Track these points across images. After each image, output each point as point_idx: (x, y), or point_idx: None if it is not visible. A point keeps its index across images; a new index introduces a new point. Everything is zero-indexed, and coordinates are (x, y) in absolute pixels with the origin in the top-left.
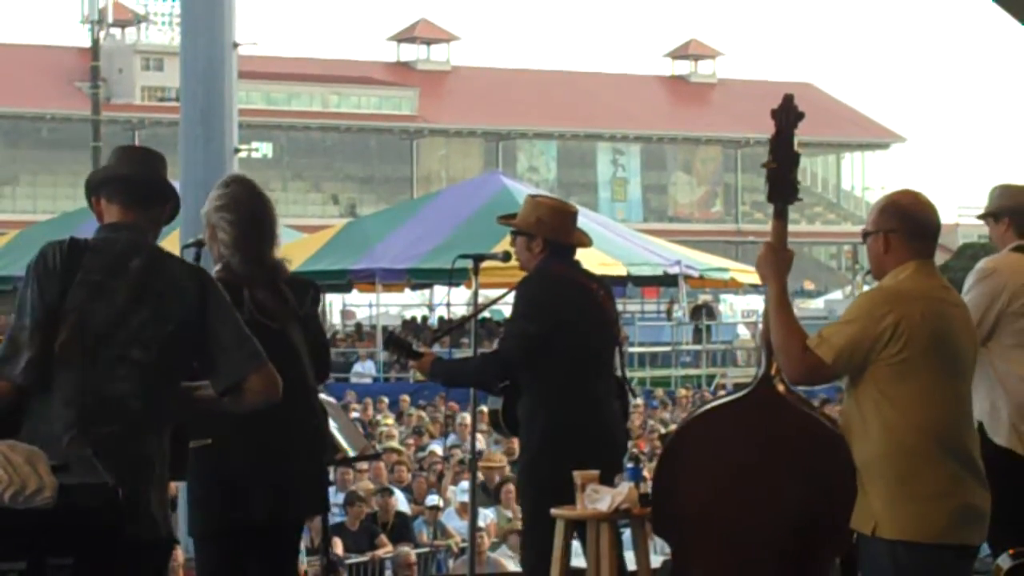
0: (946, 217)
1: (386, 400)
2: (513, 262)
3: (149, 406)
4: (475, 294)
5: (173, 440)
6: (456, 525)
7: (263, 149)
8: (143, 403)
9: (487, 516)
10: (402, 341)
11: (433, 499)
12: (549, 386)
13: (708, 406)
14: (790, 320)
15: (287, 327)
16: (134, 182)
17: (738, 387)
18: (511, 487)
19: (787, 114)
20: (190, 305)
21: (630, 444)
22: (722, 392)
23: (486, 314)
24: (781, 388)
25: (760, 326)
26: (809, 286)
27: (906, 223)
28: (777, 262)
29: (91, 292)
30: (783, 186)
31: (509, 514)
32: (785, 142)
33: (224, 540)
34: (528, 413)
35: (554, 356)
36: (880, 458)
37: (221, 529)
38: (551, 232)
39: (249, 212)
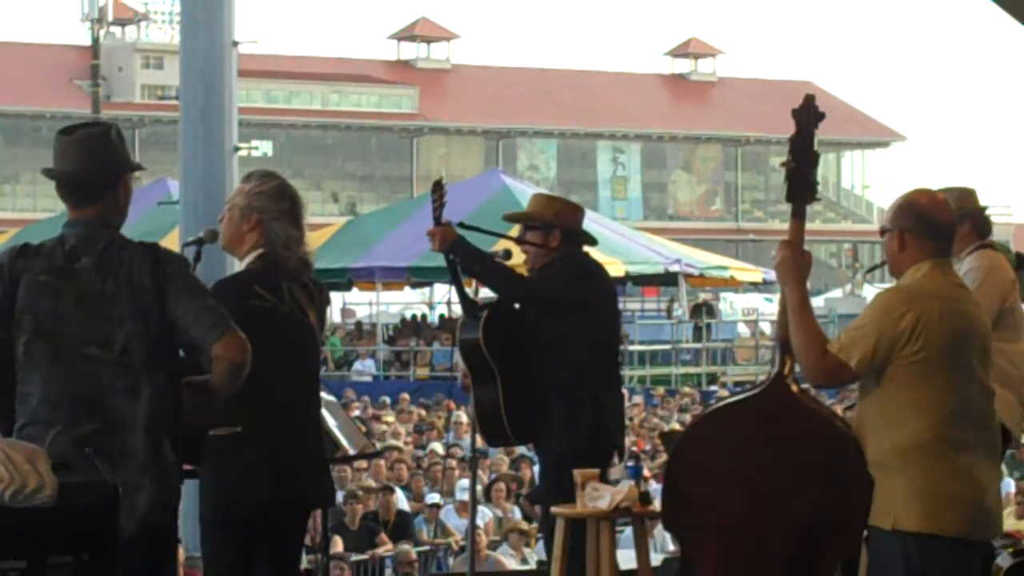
0: None
1: (387, 399)
2: (513, 260)
3: (125, 402)
4: (475, 292)
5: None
6: (455, 523)
7: (263, 147)
8: (117, 400)
9: (486, 514)
10: (443, 194)
11: (433, 497)
12: (584, 371)
13: (720, 404)
14: (811, 324)
15: (312, 323)
16: (75, 181)
17: (739, 385)
18: (502, 486)
19: (808, 114)
20: (144, 298)
21: (629, 442)
22: (723, 391)
23: None
24: (795, 388)
25: (760, 325)
26: (808, 285)
27: (920, 223)
28: (799, 265)
29: (40, 293)
30: (802, 186)
31: (499, 513)
32: (805, 142)
33: (237, 526)
34: (559, 406)
35: (584, 340)
36: (897, 455)
37: (245, 516)
38: (568, 223)
39: (298, 207)
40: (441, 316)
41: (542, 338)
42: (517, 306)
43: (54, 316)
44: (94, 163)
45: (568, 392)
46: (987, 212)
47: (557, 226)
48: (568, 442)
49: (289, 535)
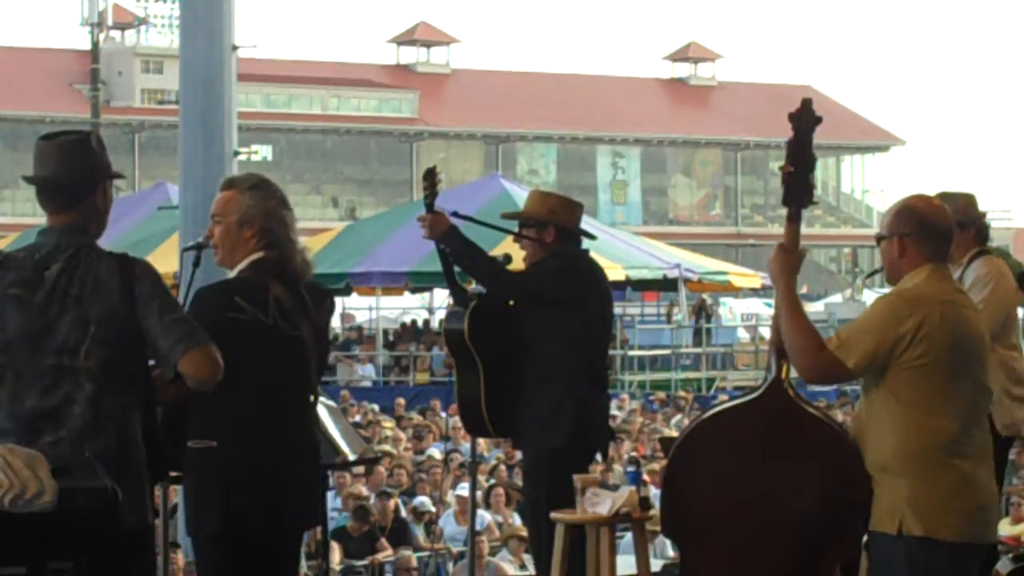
0: None
1: (386, 404)
2: (512, 266)
3: (92, 408)
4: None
5: (170, 437)
6: (451, 530)
7: (263, 152)
8: (84, 407)
9: (485, 520)
10: (435, 181)
11: (426, 503)
12: (569, 369)
13: (718, 408)
14: (802, 319)
15: (303, 333)
16: (53, 186)
17: (739, 390)
18: (500, 491)
19: (805, 118)
20: (113, 302)
21: (629, 447)
22: (723, 396)
23: None
24: (791, 392)
25: (760, 330)
26: (807, 289)
27: (920, 227)
28: (786, 263)
29: (7, 307)
30: (799, 190)
31: (500, 519)
32: (803, 146)
33: (223, 542)
34: (540, 403)
35: (569, 338)
36: (897, 459)
37: (218, 532)
38: (563, 220)
39: (291, 210)
40: (441, 321)
41: (527, 333)
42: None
43: (19, 330)
44: (73, 168)
45: (550, 389)
46: (986, 218)
47: (552, 223)
48: (549, 440)
49: (281, 554)
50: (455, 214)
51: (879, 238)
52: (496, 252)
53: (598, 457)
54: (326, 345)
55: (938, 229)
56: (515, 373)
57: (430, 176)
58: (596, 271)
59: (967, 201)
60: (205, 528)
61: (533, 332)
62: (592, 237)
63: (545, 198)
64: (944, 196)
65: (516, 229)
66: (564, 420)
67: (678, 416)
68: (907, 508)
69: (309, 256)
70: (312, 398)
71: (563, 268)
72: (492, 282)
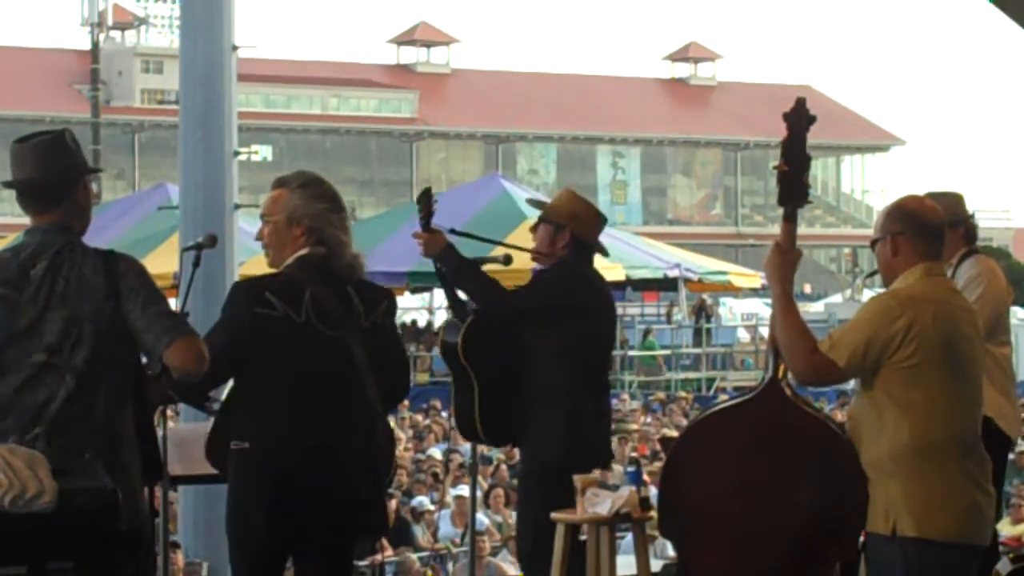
0: None
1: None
2: (514, 265)
3: (81, 406)
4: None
5: (216, 437)
6: (446, 530)
7: (263, 152)
8: (72, 405)
9: (482, 521)
10: (431, 202)
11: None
12: (566, 384)
13: (715, 408)
14: (796, 320)
15: (346, 335)
16: (34, 188)
17: (739, 391)
18: (500, 491)
19: (799, 117)
20: (98, 298)
21: (630, 448)
22: (723, 396)
23: None
24: (788, 392)
25: (760, 330)
26: (808, 289)
27: (912, 225)
28: (782, 263)
29: None
30: (794, 189)
31: (499, 519)
32: (797, 145)
33: (259, 550)
34: (537, 416)
35: (567, 350)
36: (891, 459)
37: (256, 539)
38: (581, 228)
39: (344, 209)
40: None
41: (524, 346)
42: None
43: (6, 329)
44: (52, 168)
45: (547, 402)
46: (975, 218)
47: (568, 228)
48: (545, 455)
49: (328, 564)
50: (453, 231)
51: (873, 242)
52: (496, 253)
53: None
54: (392, 349)
55: (930, 225)
56: (511, 387)
57: (425, 198)
58: (598, 283)
59: (956, 200)
60: (237, 533)
61: (529, 345)
62: (605, 254)
63: (573, 199)
64: (932, 196)
65: (514, 248)
66: (561, 435)
67: (667, 421)
68: (901, 508)
69: (363, 259)
70: (366, 403)
71: (562, 280)
72: (487, 302)
